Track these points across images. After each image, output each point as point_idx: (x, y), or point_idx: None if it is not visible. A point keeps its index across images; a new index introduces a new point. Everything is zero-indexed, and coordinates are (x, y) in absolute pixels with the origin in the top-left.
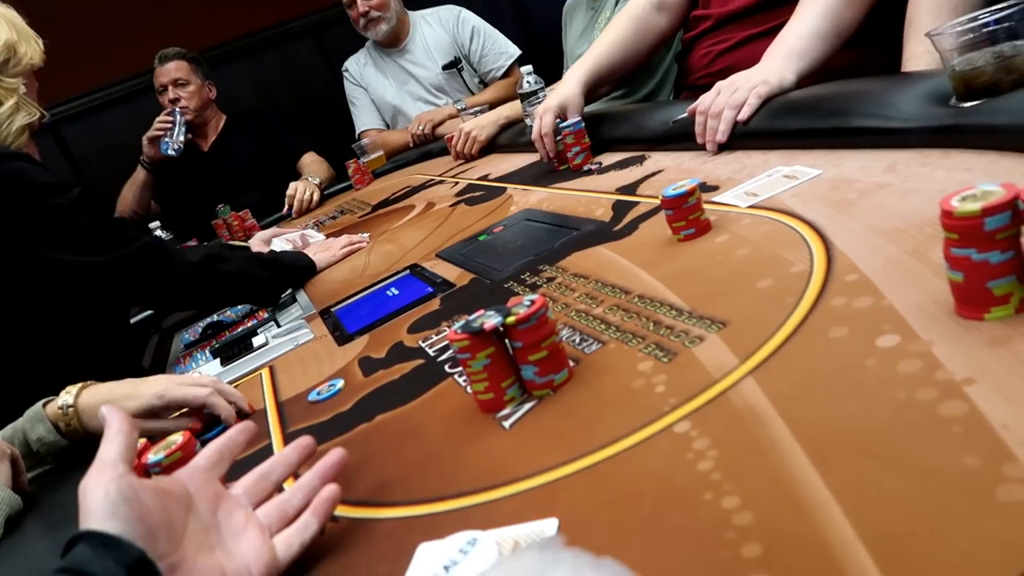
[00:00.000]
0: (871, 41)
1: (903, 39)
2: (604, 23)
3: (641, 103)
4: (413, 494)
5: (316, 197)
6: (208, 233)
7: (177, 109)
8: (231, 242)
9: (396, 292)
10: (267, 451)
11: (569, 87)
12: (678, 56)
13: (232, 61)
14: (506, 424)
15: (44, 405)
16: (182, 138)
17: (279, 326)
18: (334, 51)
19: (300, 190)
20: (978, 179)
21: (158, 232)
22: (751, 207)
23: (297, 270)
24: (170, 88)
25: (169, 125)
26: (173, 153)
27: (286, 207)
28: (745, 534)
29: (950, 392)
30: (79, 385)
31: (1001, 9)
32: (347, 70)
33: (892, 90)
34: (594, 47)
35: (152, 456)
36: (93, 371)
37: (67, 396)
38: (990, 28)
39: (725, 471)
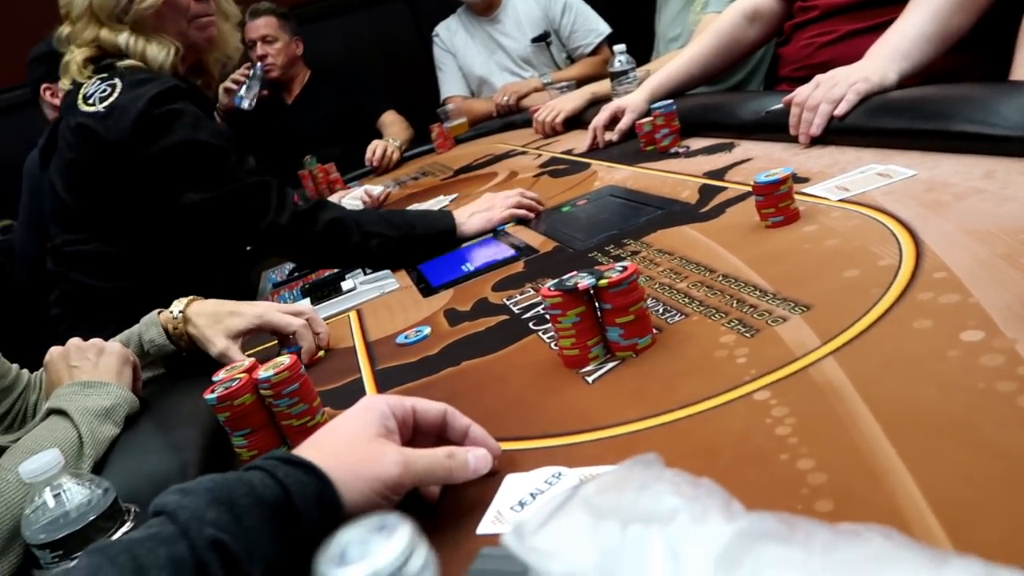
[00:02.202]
0: (978, 47)
1: (1015, 47)
2: (701, 6)
3: (731, 91)
4: (498, 432)
5: (396, 157)
6: (293, 183)
7: (258, 64)
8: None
9: (481, 252)
10: (357, 384)
11: (637, 94)
12: (777, 44)
13: (323, 18)
14: (589, 379)
15: (158, 313)
16: (256, 92)
17: (366, 273)
18: (425, 14)
19: (381, 148)
20: None
21: None
22: (841, 200)
23: (429, 238)
24: (258, 44)
25: (244, 79)
26: (246, 107)
27: (368, 163)
28: (818, 492)
29: None
30: (189, 298)
31: None
32: (437, 35)
33: (998, 97)
34: (672, 63)
35: (262, 373)
36: (207, 294)
37: (178, 306)
38: None
39: (801, 437)
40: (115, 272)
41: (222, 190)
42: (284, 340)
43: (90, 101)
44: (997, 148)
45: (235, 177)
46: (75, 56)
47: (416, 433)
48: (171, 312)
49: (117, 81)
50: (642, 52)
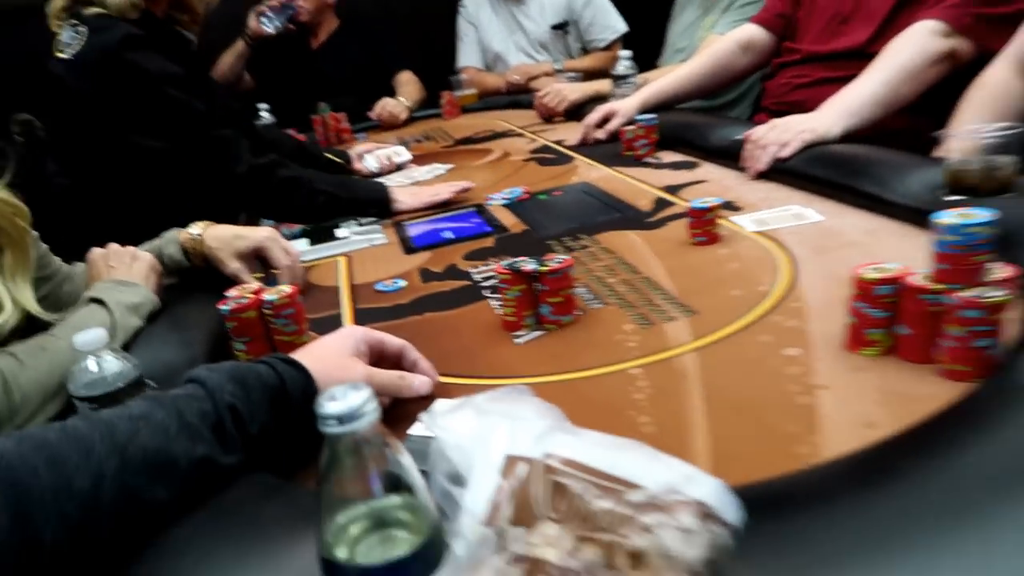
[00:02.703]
0: (926, 113)
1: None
2: (710, 25)
3: (716, 112)
4: (444, 369)
5: (403, 117)
6: (306, 126)
7: (294, 2)
8: (328, 152)
9: (461, 223)
10: (337, 319)
11: (630, 100)
12: (764, 77)
13: None
14: (519, 341)
15: (178, 232)
16: (283, 22)
17: (360, 225)
18: None
19: (389, 107)
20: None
21: (264, 114)
22: (757, 232)
23: (367, 202)
24: None
25: (277, 5)
26: (271, 30)
27: (375, 117)
28: (644, 437)
29: (807, 390)
30: (205, 223)
31: (1005, 128)
32: (464, 6)
33: (904, 168)
34: (666, 77)
35: (267, 296)
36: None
37: (196, 228)
38: (989, 138)
39: (650, 402)
40: (84, 209)
41: (181, 140)
42: (267, 273)
43: (61, 49)
44: (886, 210)
45: (193, 128)
46: (55, 3)
47: (380, 359)
48: (190, 232)
49: (84, 28)
50: (652, 55)
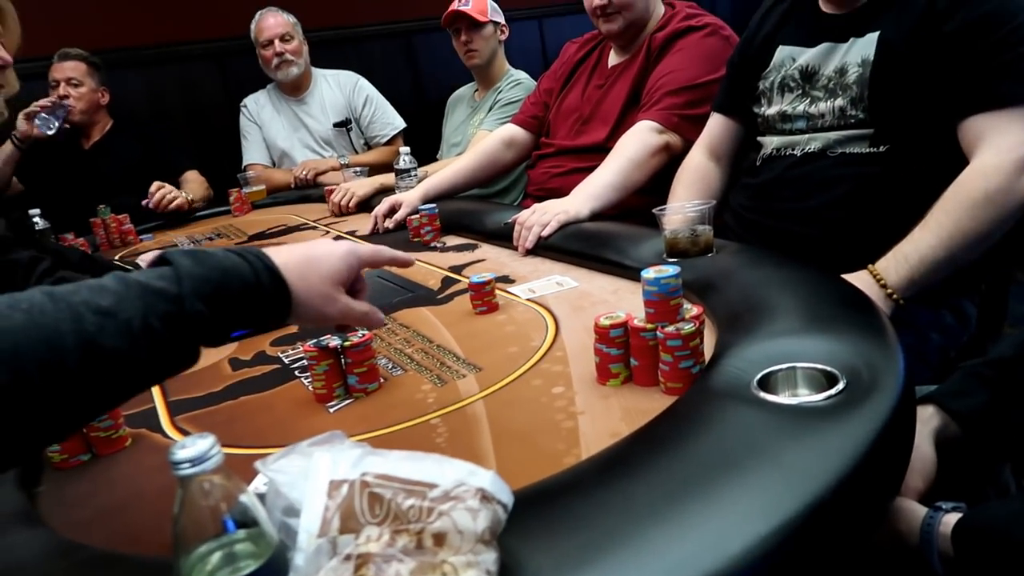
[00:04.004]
0: (657, 193)
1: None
2: (478, 123)
3: (491, 196)
4: (262, 443)
5: (177, 203)
6: (85, 229)
7: (66, 102)
8: (120, 261)
9: None
10: (151, 413)
11: (414, 192)
12: (527, 166)
13: (129, 66)
14: (331, 410)
15: None
16: (61, 122)
17: None
18: (234, 80)
19: (163, 190)
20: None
21: (37, 219)
22: (528, 299)
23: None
24: (62, 84)
25: (50, 105)
26: (51, 131)
27: (146, 201)
28: None
29: (570, 416)
30: None
31: (701, 203)
32: (245, 106)
33: (635, 240)
34: (444, 171)
35: None
36: None
37: None
38: (690, 213)
39: (447, 443)
40: None
41: None
42: None
43: None
44: (626, 273)
45: None
46: None
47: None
48: None
49: None
50: (431, 149)
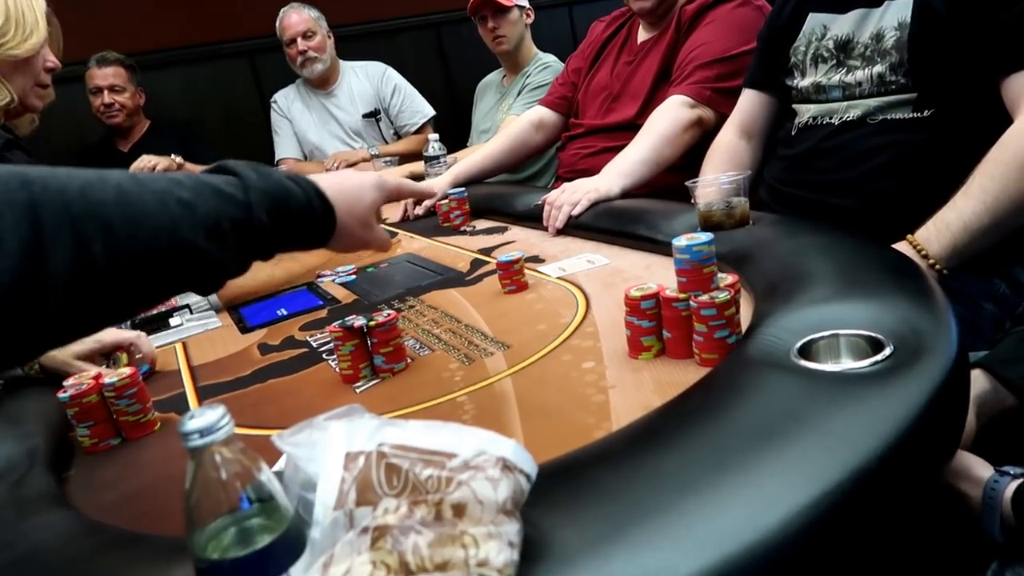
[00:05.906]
0: (689, 170)
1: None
2: (508, 108)
3: (523, 181)
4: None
5: (163, 168)
6: None
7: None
8: None
9: (294, 300)
10: (181, 398)
11: (443, 178)
12: (557, 148)
13: (163, 67)
14: (358, 391)
15: None
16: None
17: (192, 312)
18: (265, 77)
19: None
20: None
21: None
22: (558, 278)
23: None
24: (105, 92)
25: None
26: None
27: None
28: None
29: (600, 390)
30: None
31: (736, 175)
32: (275, 102)
33: (668, 215)
34: (473, 155)
35: (107, 380)
36: None
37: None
38: (724, 185)
39: (474, 420)
40: None
41: None
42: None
43: None
44: (658, 249)
45: None
46: None
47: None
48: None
49: None
50: (462, 136)
